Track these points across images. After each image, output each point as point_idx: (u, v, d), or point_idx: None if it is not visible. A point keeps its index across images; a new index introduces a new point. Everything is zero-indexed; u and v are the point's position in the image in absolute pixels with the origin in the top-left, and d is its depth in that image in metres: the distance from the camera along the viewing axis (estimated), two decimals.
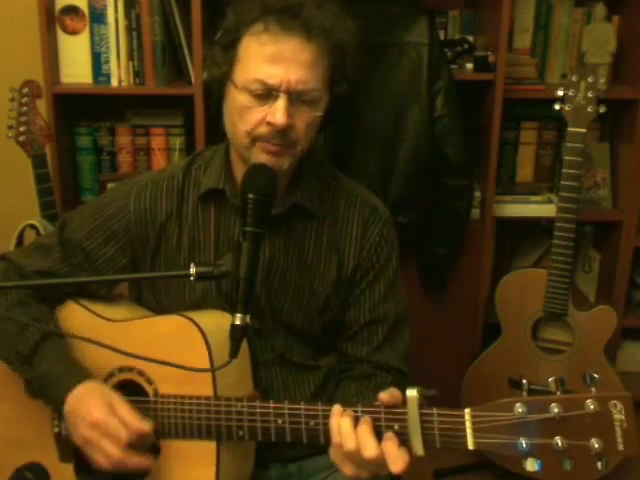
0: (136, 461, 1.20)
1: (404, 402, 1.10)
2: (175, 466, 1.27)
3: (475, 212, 2.46)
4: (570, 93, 2.12)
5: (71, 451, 1.34)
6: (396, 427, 1.10)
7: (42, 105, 2.24)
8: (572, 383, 2.09)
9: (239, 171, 1.35)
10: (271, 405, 1.20)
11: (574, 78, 2.12)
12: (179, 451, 1.26)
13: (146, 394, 1.29)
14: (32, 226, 2.16)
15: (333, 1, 1.28)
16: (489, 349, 2.34)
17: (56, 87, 2.31)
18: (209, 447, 1.24)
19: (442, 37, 2.50)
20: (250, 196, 1.21)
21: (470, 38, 2.52)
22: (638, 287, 2.72)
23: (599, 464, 1.00)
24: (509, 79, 2.39)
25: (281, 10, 1.23)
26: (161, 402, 1.26)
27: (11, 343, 1.32)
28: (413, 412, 1.08)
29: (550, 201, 2.51)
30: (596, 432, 1.00)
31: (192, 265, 1.18)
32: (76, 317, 1.37)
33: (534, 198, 2.53)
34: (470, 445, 1.06)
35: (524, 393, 1.06)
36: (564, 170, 2.15)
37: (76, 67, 2.35)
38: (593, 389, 1.02)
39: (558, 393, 1.03)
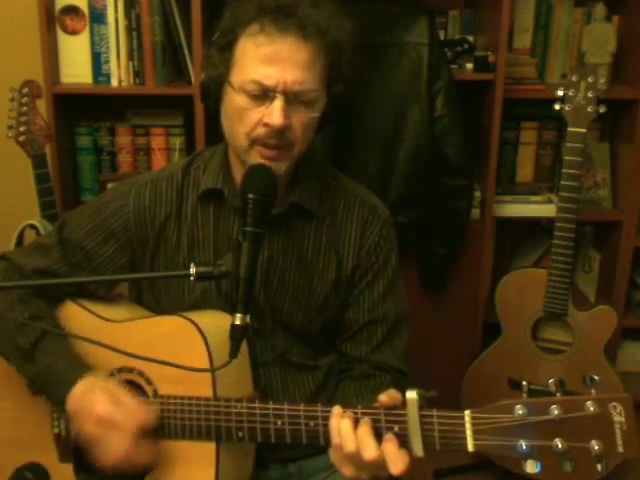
0: (146, 450, 1.22)
1: (404, 404, 1.10)
2: (175, 467, 1.26)
3: (475, 212, 2.46)
4: (570, 93, 2.12)
5: (71, 451, 1.34)
6: (396, 429, 1.10)
7: (42, 105, 2.24)
8: (572, 383, 2.08)
9: (238, 172, 1.35)
10: (270, 406, 1.19)
11: (574, 78, 2.12)
12: (179, 452, 1.26)
13: (146, 395, 1.28)
14: (32, 226, 2.16)
15: (329, 0, 1.28)
16: (489, 349, 2.34)
17: (56, 87, 2.31)
18: (209, 448, 1.24)
19: (442, 37, 2.50)
20: (250, 196, 1.21)
21: (470, 38, 2.52)
22: (638, 287, 2.72)
23: (599, 466, 1.00)
24: (509, 79, 2.39)
25: (276, 10, 1.23)
26: (160, 403, 1.26)
27: (12, 339, 1.32)
28: (413, 414, 1.08)
29: (550, 201, 2.51)
30: (596, 434, 0.99)
31: (192, 265, 1.18)
32: (76, 318, 1.37)
33: (534, 198, 2.53)
34: (470, 447, 1.05)
35: (524, 394, 1.06)
36: (564, 170, 2.15)
37: (76, 67, 2.35)
38: (593, 391, 1.02)
39: (558, 394, 1.03)
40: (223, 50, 1.28)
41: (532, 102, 2.53)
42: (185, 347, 1.25)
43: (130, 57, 2.34)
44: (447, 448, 1.07)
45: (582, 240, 2.64)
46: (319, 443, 1.17)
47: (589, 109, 2.11)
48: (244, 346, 1.30)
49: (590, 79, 2.11)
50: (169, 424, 1.25)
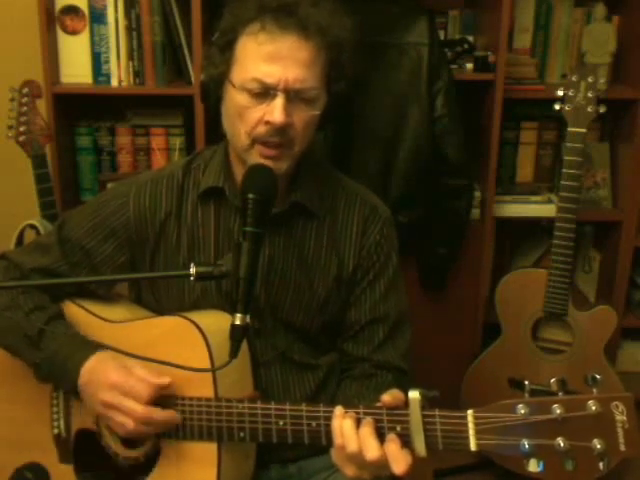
0: (161, 415, 1.22)
1: (406, 404, 1.10)
2: (176, 467, 1.26)
3: (475, 212, 2.46)
4: (570, 93, 2.12)
5: (71, 452, 1.34)
6: (398, 429, 1.10)
7: (42, 105, 2.24)
8: (572, 383, 2.09)
9: (239, 171, 1.35)
10: (272, 406, 1.19)
11: (574, 78, 2.12)
12: (180, 452, 1.26)
13: None
14: (32, 226, 2.16)
15: None
16: (489, 349, 2.34)
17: (56, 87, 2.31)
18: (210, 448, 1.24)
19: (442, 37, 2.50)
20: (250, 196, 1.21)
21: (470, 38, 2.52)
22: (638, 287, 2.72)
23: (601, 464, 1.00)
24: (509, 79, 2.39)
25: (277, 9, 1.23)
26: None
27: (17, 328, 1.32)
28: (415, 414, 1.08)
29: (550, 201, 2.51)
30: (598, 433, 1.00)
31: (192, 265, 1.18)
32: (76, 319, 1.37)
33: (534, 198, 2.53)
34: (473, 446, 1.06)
35: (526, 394, 1.06)
36: (564, 170, 2.15)
37: (76, 67, 2.35)
38: (595, 390, 1.02)
39: (560, 394, 1.03)
40: (224, 49, 1.28)
41: (532, 102, 2.53)
42: (186, 347, 1.25)
43: (130, 57, 2.34)
44: (450, 448, 1.07)
45: (582, 240, 2.64)
46: (321, 443, 1.17)
47: (589, 109, 2.11)
48: (244, 346, 1.30)
49: (590, 79, 2.11)
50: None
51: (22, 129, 2.16)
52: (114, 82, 2.36)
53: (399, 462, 1.08)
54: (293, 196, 1.36)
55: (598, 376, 1.03)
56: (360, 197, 1.43)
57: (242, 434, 1.21)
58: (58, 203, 2.24)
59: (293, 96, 1.24)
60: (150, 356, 1.22)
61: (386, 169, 2.27)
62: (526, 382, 1.13)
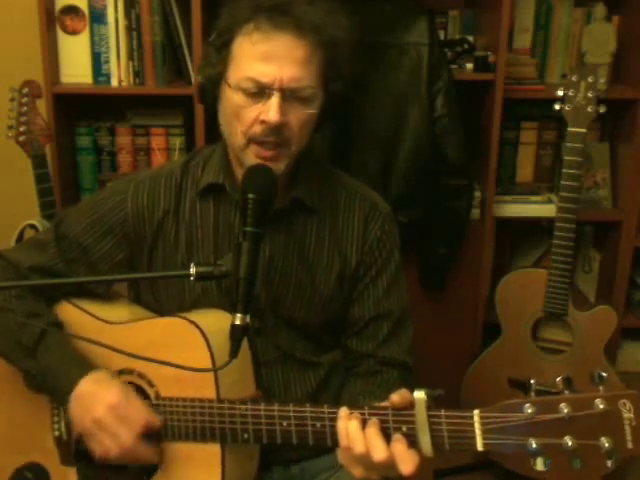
0: (145, 451, 1.22)
1: (411, 403, 1.09)
2: (180, 469, 1.26)
3: (475, 212, 2.46)
4: (570, 93, 2.12)
5: (72, 454, 1.34)
6: (404, 429, 1.09)
7: (42, 105, 2.24)
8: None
9: (238, 169, 1.35)
10: (276, 408, 1.19)
11: (574, 78, 2.12)
12: (183, 454, 1.25)
13: (147, 397, 1.28)
14: (32, 226, 2.16)
15: None
16: (489, 349, 2.34)
17: (56, 87, 2.31)
18: (214, 450, 1.23)
19: (442, 37, 2.50)
20: (250, 196, 1.21)
21: (470, 38, 2.52)
22: (638, 287, 2.72)
23: (609, 462, 0.99)
24: (509, 79, 2.39)
25: (272, 8, 1.23)
26: (163, 405, 1.26)
27: (12, 335, 1.32)
28: (421, 414, 1.07)
29: (550, 201, 2.51)
30: (605, 431, 0.99)
31: (192, 265, 1.18)
32: (74, 320, 1.37)
33: (534, 198, 2.53)
34: (479, 446, 1.05)
35: (532, 393, 1.05)
36: (564, 170, 2.15)
37: (76, 67, 2.35)
38: (601, 388, 1.01)
39: (566, 392, 1.02)
40: (220, 49, 1.29)
41: (532, 102, 2.53)
42: (187, 348, 1.24)
43: (130, 57, 2.34)
44: (456, 448, 1.07)
45: (582, 240, 2.64)
46: (326, 444, 1.16)
47: (589, 109, 2.11)
48: (245, 345, 1.29)
49: (590, 79, 2.11)
50: (172, 426, 1.25)
51: (22, 129, 2.16)
52: (114, 82, 2.36)
53: (406, 462, 1.07)
54: (293, 192, 1.36)
55: (604, 374, 1.02)
56: (360, 194, 1.43)
57: (246, 435, 1.21)
58: (58, 203, 2.24)
59: (289, 95, 1.24)
60: (151, 357, 1.21)
61: (386, 169, 2.27)
62: (532, 381, 1.12)
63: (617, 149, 2.61)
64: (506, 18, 2.30)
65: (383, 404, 1.13)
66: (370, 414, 1.11)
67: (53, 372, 1.28)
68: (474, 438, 1.05)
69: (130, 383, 1.30)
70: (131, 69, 2.35)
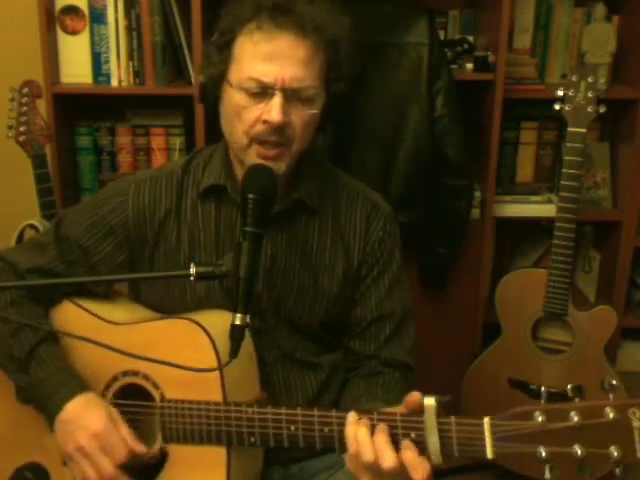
0: None
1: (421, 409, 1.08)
2: (184, 471, 1.25)
3: (475, 212, 2.46)
4: (570, 93, 2.12)
5: None
6: (413, 435, 1.08)
7: (42, 105, 2.24)
8: (572, 383, 2.08)
9: (239, 170, 1.35)
10: (283, 411, 1.17)
11: (574, 78, 2.12)
12: (188, 456, 1.25)
13: (152, 398, 1.27)
14: (32, 226, 2.16)
15: None
16: (489, 349, 2.34)
17: (56, 87, 2.31)
18: (219, 452, 1.23)
19: (442, 37, 2.50)
20: (250, 196, 1.21)
21: (470, 38, 2.52)
22: (638, 287, 2.72)
23: (617, 471, 0.99)
24: (509, 79, 2.39)
25: (274, 8, 1.23)
26: (168, 407, 1.25)
27: (4, 346, 1.31)
28: (431, 420, 1.06)
29: (550, 201, 2.51)
30: (615, 440, 0.98)
31: (192, 265, 1.18)
32: (76, 320, 1.36)
33: (534, 198, 2.53)
34: (489, 454, 1.04)
35: (542, 401, 1.05)
36: (564, 170, 2.15)
37: (76, 67, 2.35)
38: (611, 396, 1.01)
39: (576, 400, 1.02)
40: (222, 49, 1.28)
41: (532, 102, 2.53)
42: (192, 350, 1.23)
43: (130, 57, 2.34)
44: (465, 455, 1.06)
45: (582, 240, 2.64)
46: (334, 448, 1.15)
47: (589, 109, 2.11)
48: (251, 347, 1.29)
49: (590, 79, 2.11)
50: (177, 429, 1.24)
51: (22, 129, 2.16)
52: (114, 82, 2.36)
53: (417, 469, 1.05)
54: (295, 193, 1.36)
55: (615, 382, 1.02)
56: (361, 194, 1.43)
57: (252, 439, 1.20)
58: (58, 203, 2.23)
59: (290, 95, 1.24)
60: (154, 358, 1.21)
61: (386, 169, 2.27)
62: (542, 389, 1.11)
63: (617, 149, 2.61)
64: (506, 18, 2.30)
65: (391, 409, 1.12)
66: (379, 420, 1.10)
67: (41, 390, 1.27)
68: (484, 446, 1.04)
69: (133, 385, 1.29)
70: (131, 69, 2.35)
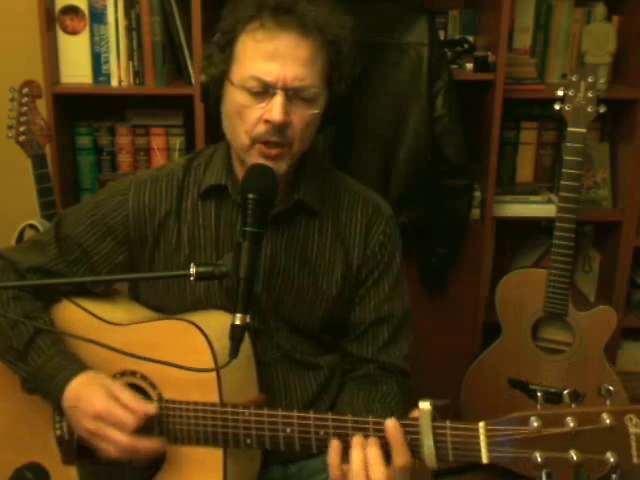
0: (146, 444, 1.21)
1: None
2: (181, 472, 1.25)
3: (475, 212, 2.46)
4: (570, 93, 2.13)
5: (74, 453, 1.34)
6: (408, 439, 1.09)
7: (42, 105, 2.24)
8: (572, 383, 2.09)
9: (239, 170, 1.35)
10: (279, 414, 1.18)
11: (574, 78, 2.12)
12: (185, 457, 1.25)
13: (150, 399, 1.27)
14: (32, 226, 2.16)
15: None
16: (489, 349, 2.34)
17: (56, 87, 2.31)
18: (215, 453, 1.23)
19: (442, 37, 2.50)
20: (250, 196, 1.21)
21: (470, 38, 2.52)
22: (638, 287, 2.72)
23: (613, 476, 0.99)
24: (509, 79, 2.39)
25: (276, 7, 1.23)
26: (165, 407, 1.25)
27: (5, 338, 1.31)
28: (426, 424, 1.07)
29: (550, 201, 2.51)
30: (611, 446, 0.98)
31: (192, 265, 1.18)
32: (75, 320, 1.36)
33: (534, 198, 2.53)
34: (484, 459, 1.04)
35: (538, 406, 1.04)
36: (564, 170, 2.15)
37: (76, 67, 2.34)
38: (608, 401, 1.01)
39: (573, 406, 1.02)
40: (223, 48, 1.28)
41: (532, 102, 2.53)
42: (190, 351, 1.24)
43: (130, 57, 2.34)
44: (461, 459, 1.07)
45: (582, 240, 2.64)
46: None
47: (589, 109, 2.11)
48: (249, 348, 1.29)
49: (590, 79, 2.11)
50: (174, 429, 1.24)
51: (22, 129, 2.15)
52: (114, 82, 2.36)
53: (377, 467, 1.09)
54: (296, 195, 1.36)
55: (612, 388, 1.02)
56: (362, 196, 1.43)
57: (248, 441, 1.20)
58: (58, 203, 2.23)
59: (292, 95, 1.24)
60: (152, 358, 1.21)
61: (386, 169, 2.27)
62: (539, 393, 1.10)
63: (617, 149, 2.60)
64: (506, 18, 2.30)
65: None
66: (375, 424, 1.11)
67: (42, 377, 1.28)
68: (479, 450, 1.05)
69: (132, 385, 1.29)
70: (131, 69, 2.35)
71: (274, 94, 1.23)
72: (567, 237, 2.16)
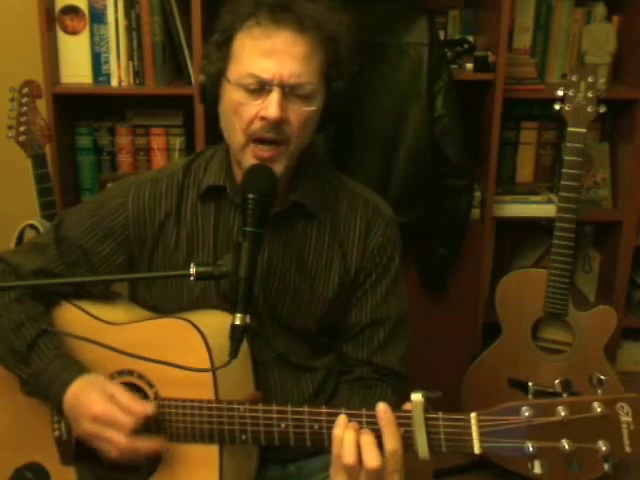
0: (145, 444, 1.21)
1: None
2: (178, 469, 1.26)
3: (475, 212, 2.46)
4: (570, 93, 2.13)
5: (73, 454, 1.34)
6: (401, 431, 1.09)
7: (42, 105, 2.24)
8: (572, 383, 2.08)
9: (238, 170, 1.35)
10: (274, 409, 1.18)
11: (574, 78, 2.13)
12: (182, 454, 1.25)
13: (147, 397, 1.28)
14: (32, 226, 2.16)
15: None
16: (489, 349, 2.34)
17: (56, 87, 2.31)
18: (211, 450, 1.23)
19: (442, 37, 2.50)
20: (250, 196, 1.20)
21: (470, 38, 2.52)
22: (638, 287, 2.72)
23: (606, 466, 0.99)
24: (509, 79, 2.39)
25: (273, 5, 1.23)
26: (162, 405, 1.25)
27: (7, 341, 1.31)
28: (418, 416, 1.07)
29: (550, 201, 2.51)
30: (603, 434, 0.99)
31: (192, 265, 1.18)
32: (74, 320, 1.36)
33: (534, 198, 2.53)
34: (476, 449, 1.05)
35: (530, 396, 1.05)
36: (564, 170, 2.15)
37: (76, 67, 2.35)
38: (599, 391, 1.01)
39: (564, 395, 1.02)
40: (221, 46, 1.28)
41: (532, 102, 2.53)
42: (186, 349, 1.24)
43: (130, 57, 2.34)
44: (453, 450, 1.07)
45: (582, 240, 2.64)
46: (323, 445, 1.16)
47: (589, 109, 2.11)
48: (245, 347, 1.29)
49: (590, 79, 2.11)
50: (171, 427, 1.25)
51: (22, 129, 2.16)
52: (114, 82, 2.36)
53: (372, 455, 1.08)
54: (293, 196, 1.35)
55: (603, 377, 1.02)
56: (363, 198, 1.42)
57: (244, 436, 1.20)
58: (58, 203, 2.23)
59: (289, 92, 1.23)
60: (149, 357, 1.21)
61: (386, 169, 2.27)
62: (530, 384, 1.11)
63: (617, 149, 2.61)
64: (506, 18, 2.30)
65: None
66: (368, 417, 1.11)
67: (43, 379, 1.28)
68: (471, 441, 1.05)
69: (129, 384, 1.29)
70: (131, 69, 2.35)
71: (270, 91, 1.23)
72: (567, 237, 2.16)
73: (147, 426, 1.23)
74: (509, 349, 2.31)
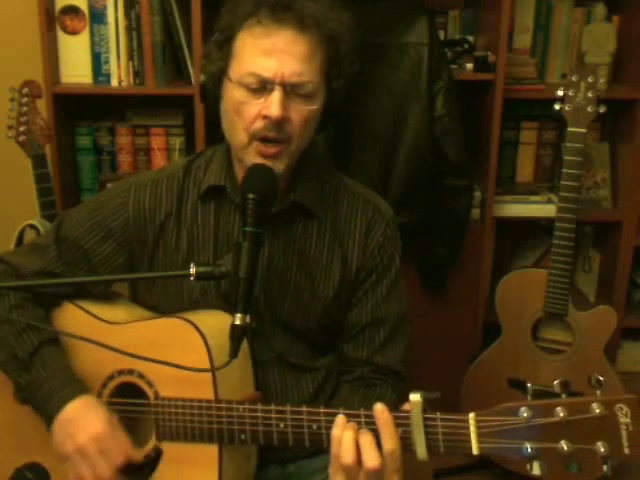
0: None
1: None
2: (177, 469, 1.26)
3: (475, 212, 2.46)
4: (570, 93, 2.13)
5: None
6: (399, 431, 1.09)
7: (42, 105, 2.24)
8: (572, 383, 2.08)
9: (239, 170, 1.35)
10: (273, 408, 1.18)
11: (574, 78, 2.13)
12: (181, 454, 1.25)
13: (146, 397, 1.28)
14: (32, 226, 2.16)
15: None
16: (489, 349, 2.34)
17: (56, 87, 2.31)
18: (211, 450, 1.23)
19: (442, 37, 2.50)
20: (250, 196, 1.21)
21: (470, 38, 2.52)
22: (638, 287, 2.72)
23: (605, 467, 0.99)
24: (509, 79, 2.39)
25: (274, 4, 1.23)
26: (162, 405, 1.26)
27: (8, 347, 1.31)
28: (417, 417, 1.07)
29: (550, 201, 2.51)
30: (602, 436, 0.99)
31: (192, 265, 1.18)
32: (75, 320, 1.36)
33: (534, 198, 2.53)
34: (475, 450, 1.05)
35: (528, 397, 1.05)
36: (564, 170, 2.15)
37: (76, 67, 2.35)
38: (598, 392, 1.01)
39: (563, 396, 1.02)
40: (222, 45, 1.28)
41: (532, 102, 2.53)
42: (186, 349, 1.24)
43: (130, 57, 2.34)
44: (452, 451, 1.07)
45: (582, 240, 2.64)
46: (322, 445, 1.16)
47: (589, 109, 2.11)
48: (245, 347, 1.29)
49: (590, 79, 2.11)
50: (170, 426, 1.25)
51: (22, 129, 2.15)
52: (114, 82, 2.36)
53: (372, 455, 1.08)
54: (293, 196, 1.35)
55: (602, 378, 1.02)
56: (363, 198, 1.42)
57: (243, 436, 1.20)
58: (58, 203, 2.23)
59: (290, 91, 1.24)
60: (150, 357, 1.21)
61: (386, 169, 2.27)
62: (529, 384, 1.11)
63: (617, 149, 2.61)
64: (506, 18, 2.30)
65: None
66: (366, 417, 1.11)
67: (43, 390, 1.27)
68: (469, 442, 1.05)
69: (128, 383, 1.29)
70: (131, 69, 2.35)
71: (272, 90, 1.23)
72: (567, 237, 2.16)
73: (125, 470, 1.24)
74: (509, 349, 2.31)
